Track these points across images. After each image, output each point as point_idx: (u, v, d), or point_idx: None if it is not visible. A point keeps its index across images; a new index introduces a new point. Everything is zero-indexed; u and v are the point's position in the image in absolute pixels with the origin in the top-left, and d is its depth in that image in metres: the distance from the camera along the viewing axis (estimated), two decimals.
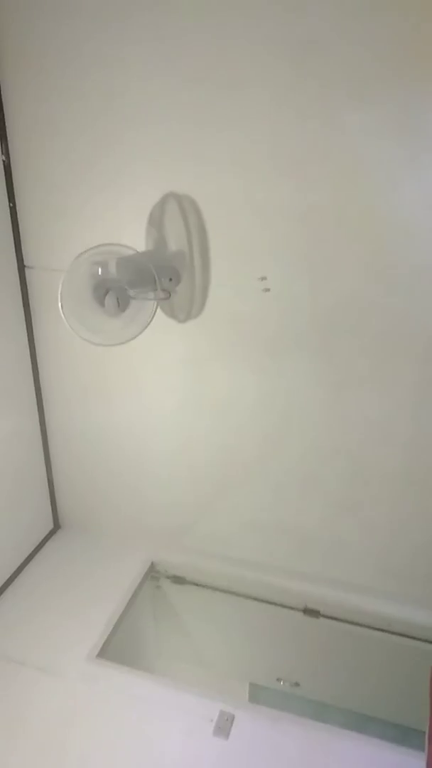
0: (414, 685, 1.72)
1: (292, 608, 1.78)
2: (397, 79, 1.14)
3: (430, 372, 1.38)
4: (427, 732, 1.23)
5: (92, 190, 1.44)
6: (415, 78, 1.13)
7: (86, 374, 1.70)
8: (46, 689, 1.41)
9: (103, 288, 1.26)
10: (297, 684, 1.93)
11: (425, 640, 1.66)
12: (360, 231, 1.29)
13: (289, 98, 1.21)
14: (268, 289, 1.40)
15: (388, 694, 1.84)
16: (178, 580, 1.88)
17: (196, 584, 1.87)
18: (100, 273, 1.26)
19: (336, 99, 1.19)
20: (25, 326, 1.67)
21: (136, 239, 1.42)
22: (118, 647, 1.60)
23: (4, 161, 1.46)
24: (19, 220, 1.54)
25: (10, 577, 1.77)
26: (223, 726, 1.31)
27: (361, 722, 1.87)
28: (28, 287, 1.63)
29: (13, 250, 1.56)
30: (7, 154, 1.46)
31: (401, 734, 1.83)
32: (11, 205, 1.51)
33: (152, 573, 1.89)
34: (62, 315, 1.25)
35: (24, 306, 1.64)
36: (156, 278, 1.31)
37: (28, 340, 1.69)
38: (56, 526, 2.03)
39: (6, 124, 1.43)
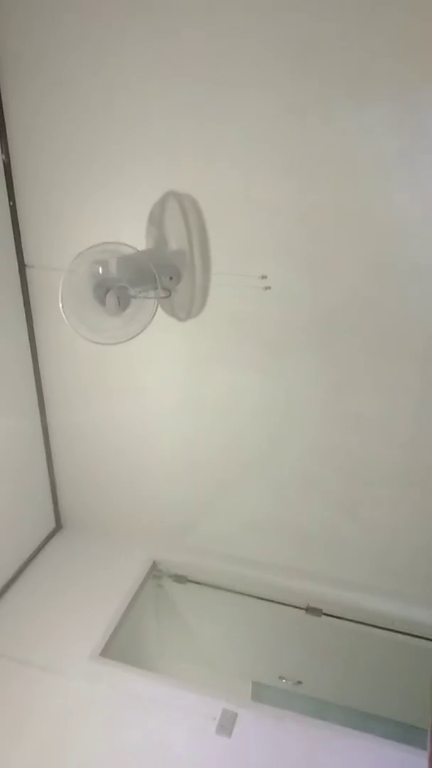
0: (416, 683, 1.72)
1: (294, 607, 1.78)
2: (396, 79, 1.14)
3: (431, 372, 1.38)
4: (429, 730, 1.22)
5: (92, 189, 1.44)
6: (414, 77, 1.13)
7: (87, 373, 1.70)
8: (48, 688, 1.41)
9: (104, 287, 1.25)
10: (299, 682, 1.93)
11: (427, 639, 1.66)
12: (360, 230, 1.29)
13: (289, 97, 1.21)
14: (268, 288, 1.40)
15: (390, 692, 1.84)
16: (180, 579, 1.89)
17: (198, 583, 1.87)
18: (100, 272, 1.26)
19: (336, 98, 1.19)
20: (25, 325, 1.67)
21: (136, 238, 1.42)
22: (121, 646, 1.60)
23: (3, 160, 1.46)
24: (19, 219, 1.54)
25: (13, 576, 1.77)
26: (226, 724, 1.31)
27: (364, 720, 1.87)
28: (28, 286, 1.63)
29: (14, 249, 1.56)
30: (7, 153, 1.46)
31: (403, 732, 1.83)
32: (11, 204, 1.51)
33: (154, 572, 1.89)
34: (63, 314, 1.25)
35: (25, 305, 1.64)
36: (156, 277, 1.31)
37: (29, 339, 1.69)
38: (58, 525, 2.04)
39: (6, 123, 1.43)
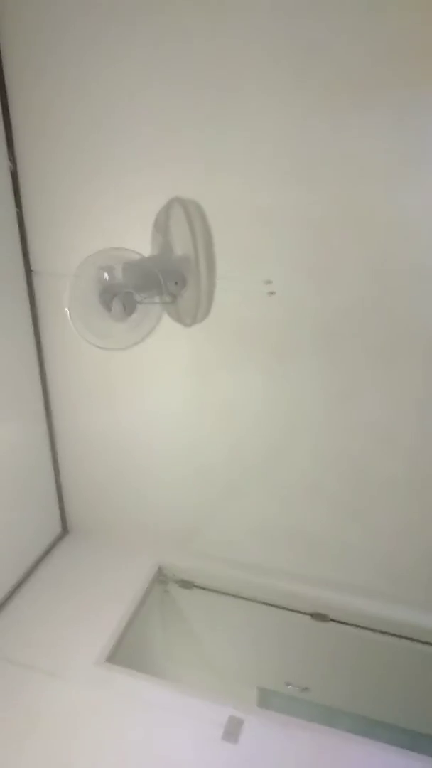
0: (424, 689, 1.71)
1: (300, 612, 1.77)
2: (399, 82, 1.14)
3: None
4: None
5: (98, 195, 1.45)
6: (417, 80, 1.13)
7: (93, 378, 1.71)
8: (54, 694, 1.41)
9: (110, 293, 1.26)
10: (306, 688, 1.92)
11: None
12: (365, 234, 1.29)
13: (292, 102, 1.22)
14: (273, 293, 1.40)
15: (398, 699, 1.83)
16: (186, 584, 1.88)
17: (204, 588, 1.87)
18: (106, 278, 1.26)
19: (339, 103, 1.19)
20: (32, 331, 1.68)
21: (142, 244, 1.43)
22: (127, 652, 1.59)
23: (11, 168, 1.47)
24: (25, 225, 1.55)
25: (19, 581, 1.77)
26: (233, 731, 1.30)
27: (371, 727, 1.86)
28: (35, 292, 1.63)
29: (20, 255, 1.57)
30: (13, 160, 1.47)
31: (411, 739, 1.82)
32: (18, 210, 1.52)
33: (160, 577, 1.89)
34: (69, 319, 1.25)
35: (31, 311, 1.65)
36: (162, 282, 1.31)
37: (36, 344, 1.70)
38: (64, 530, 2.04)
39: (13, 130, 1.44)
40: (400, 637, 1.68)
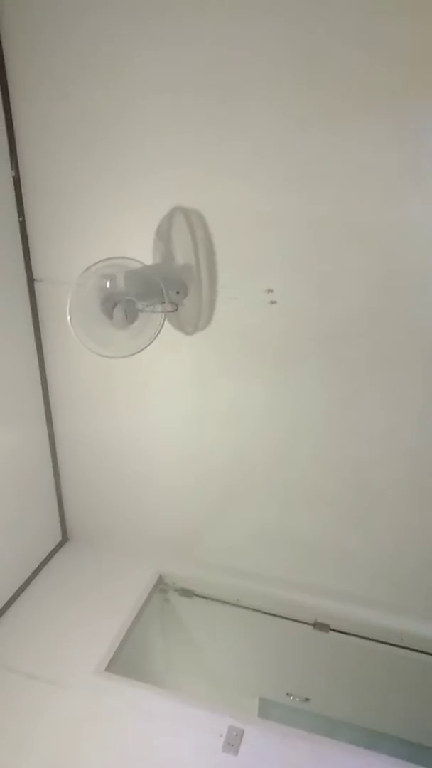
0: (426, 700, 1.70)
1: (301, 622, 1.76)
2: (399, 89, 1.15)
3: None
4: None
5: (100, 204, 1.45)
6: (417, 88, 1.14)
7: (94, 386, 1.71)
8: (54, 702, 1.40)
9: (112, 301, 1.26)
10: (307, 699, 1.91)
11: None
12: (366, 242, 1.29)
13: (294, 111, 1.23)
14: (274, 302, 1.41)
15: (399, 710, 1.82)
16: (187, 593, 1.87)
17: (205, 597, 1.86)
18: (108, 286, 1.27)
19: (340, 111, 1.20)
20: (34, 339, 1.68)
21: (143, 252, 1.44)
22: (127, 661, 1.59)
23: (14, 176, 1.48)
24: (28, 233, 1.56)
25: (19, 589, 1.77)
26: (233, 741, 1.30)
27: (372, 739, 1.85)
28: (37, 300, 1.64)
29: (23, 263, 1.58)
30: (16, 169, 1.48)
31: (412, 751, 1.80)
32: (21, 219, 1.53)
33: (160, 586, 1.88)
34: (71, 328, 1.26)
35: (33, 319, 1.66)
36: (164, 291, 1.32)
37: (37, 352, 1.70)
38: (64, 538, 2.03)
39: (15, 139, 1.45)
40: (402, 647, 1.67)
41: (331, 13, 1.14)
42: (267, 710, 1.98)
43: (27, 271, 1.60)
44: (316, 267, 1.35)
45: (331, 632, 1.73)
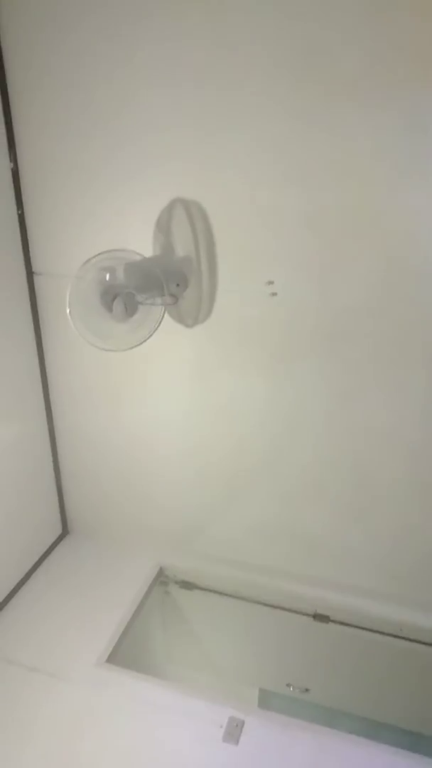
0: (426, 690, 1.71)
1: (301, 613, 1.77)
2: (400, 82, 1.14)
3: None
4: None
5: (100, 196, 1.45)
6: (418, 81, 1.13)
7: (94, 379, 1.71)
8: (55, 694, 1.41)
9: (111, 293, 1.26)
10: (307, 690, 1.92)
11: None
12: (366, 235, 1.29)
13: (293, 103, 1.22)
14: (275, 294, 1.40)
15: (399, 700, 1.83)
16: (187, 585, 1.88)
17: (205, 589, 1.87)
18: (107, 279, 1.26)
19: (341, 103, 1.19)
20: (33, 332, 1.68)
21: (143, 245, 1.43)
22: (127, 653, 1.59)
23: (12, 168, 1.47)
24: (27, 226, 1.55)
25: (19, 582, 1.77)
26: (233, 732, 1.30)
27: (372, 729, 1.86)
28: (36, 293, 1.64)
29: (22, 256, 1.58)
30: (15, 161, 1.47)
31: (412, 741, 1.81)
32: (20, 212, 1.52)
33: (161, 578, 1.89)
34: (70, 320, 1.25)
35: (32, 312, 1.65)
36: (164, 283, 1.31)
37: (37, 345, 1.70)
38: (65, 531, 2.04)
39: (14, 131, 1.44)
40: (402, 638, 1.68)
41: (330, 5, 1.13)
42: (267, 701, 2.00)
43: (26, 264, 1.59)
44: (316, 259, 1.35)
45: (331, 623, 1.74)
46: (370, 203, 1.26)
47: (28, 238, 1.56)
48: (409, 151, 1.19)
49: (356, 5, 1.11)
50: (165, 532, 1.89)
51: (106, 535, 1.98)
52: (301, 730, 1.32)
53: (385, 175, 1.23)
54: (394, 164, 1.21)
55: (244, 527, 1.77)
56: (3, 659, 1.50)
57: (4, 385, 1.59)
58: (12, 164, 1.47)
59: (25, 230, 1.55)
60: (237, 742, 1.29)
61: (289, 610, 1.78)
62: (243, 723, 1.32)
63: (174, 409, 1.66)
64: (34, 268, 1.60)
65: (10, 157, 1.46)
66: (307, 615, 1.76)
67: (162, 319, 1.35)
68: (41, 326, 1.68)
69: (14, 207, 1.51)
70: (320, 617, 1.75)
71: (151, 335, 1.33)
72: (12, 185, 1.49)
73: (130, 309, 1.27)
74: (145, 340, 1.33)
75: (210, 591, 1.86)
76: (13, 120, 1.44)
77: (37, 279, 1.61)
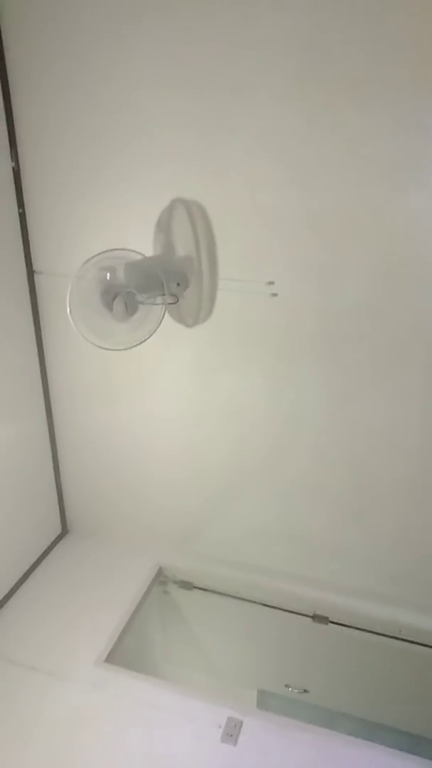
0: (425, 692, 1.71)
1: (300, 614, 1.77)
2: (400, 82, 1.15)
3: None
4: None
5: (100, 195, 1.45)
6: (418, 80, 1.13)
7: (94, 379, 1.71)
8: (53, 694, 1.40)
9: (112, 293, 1.26)
10: (306, 691, 1.92)
11: None
12: (367, 236, 1.29)
13: (293, 104, 1.22)
14: (275, 294, 1.40)
15: (398, 702, 1.83)
16: (186, 585, 1.88)
17: (204, 589, 1.87)
18: (108, 278, 1.26)
19: (341, 103, 1.19)
20: (34, 331, 1.68)
21: (144, 244, 1.42)
22: (126, 652, 1.59)
23: (13, 168, 1.47)
24: (28, 225, 1.55)
25: (18, 581, 1.77)
26: (232, 732, 1.30)
27: (371, 730, 1.86)
28: (37, 292, 1.64)
29: (23, 255, 1.58)
30: (16, 160, 1.47)
31: (411, 742, 1.81)
32: (20, 211, 1.52)
33: (160, 578, 1.89)
34: (71, 320, 1.25)
35: (33, 311, 1.65)
36: (164, 283, 1.31)
37: (37, 344, 1.70)
38: (64, 530, 2.04)
39: (15, 130, 1.44)
40: (401, 639, 1.68)
41: (331, 6, 1.13)
42: (266, 701, 1.99)
43: (27, 263, 1.59)
44: (317, 259, 1.35)
45: (330, 624, 1.74)
46: (371, 204, 1.26)
47: (29, 237, 1.56)
48: (410, 153, 1.19)
49: (356, 6, 1.11)
50: (164, 531, 1.89)
51: (106, 534, 1.98)
52: (300, 731, 1.32)
53: (386, 176, 1.22)
54: (394, 165, 1.21)
55: (244, 527, 1.77)
56: (2, 658, 1.50)
57: (4, 384, 1.59)
58: (13, 163, 1.47)
59: (26, 229, 1.55)
60: (235, 742, 1.28)
61: (289, 610, 1.78)
62: (241, 723, 1.32)
63: (174, 409, 1.66)
64: (35, 267, 1.60)
65: (11, 156, 1.46)
66: (307, 616, 1.76)
67: (162, 318, 1.34)
68: (41, 325, 1.68)
69: (15, 206, 1.51)
70: (319, 618, 1.74)
71: (151, 335, 1.33)
72: (13, 184, 1.49)
73: (131, 308, 1.27)
74: (145, 340, 1.32)
75: (209, 591, 1.86)
76: (14, 120, 1.44)
77: (37, 278, 1.61)
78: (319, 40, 1.16)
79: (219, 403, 1.60)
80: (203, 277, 1.43)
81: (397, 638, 1.68)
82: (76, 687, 1.42)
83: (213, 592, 1.86)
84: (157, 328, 1.33)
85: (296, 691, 1.92)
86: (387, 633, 1.69)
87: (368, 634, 1.71)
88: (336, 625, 1.74)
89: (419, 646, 1.66)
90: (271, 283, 1.39)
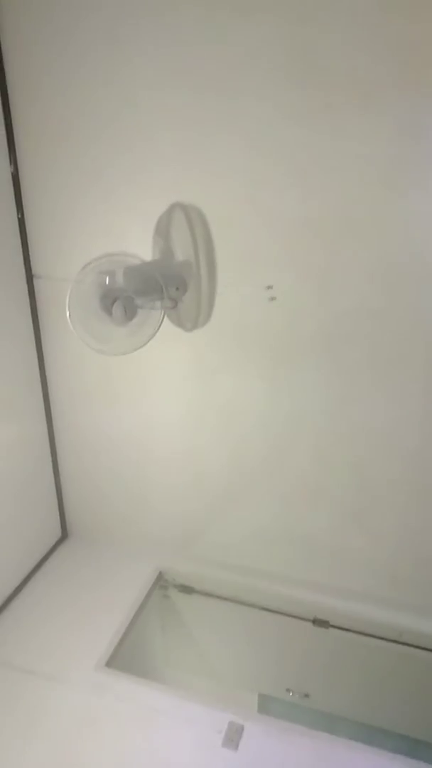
0: (426, 696, 1.70)
1: (301, 618, 1.76)
2: (400, 85, 1.15)
3: None
4: None
5: (99, 199, 1.45)
6: (418, 83, 1.14)
7: (94, 383, 1.71)
8: (54, 698, 1.40)
9: (111, 297, 1.26)
10: (307, 695, 1.91)
11: None
12: (366, 239, 1.29)
13: (293, 106, 1.22)
14: (274, 298, 1.40)
15: (399, 706, 1.82)
16: (186, 589, 1.88)
17: (204, 594, 1.86)
18: (107, 282, 1.26)
19: (340, 106, 1.19)
20: (33, 335, 1.68)
21: (143, 249, 1.43)
22: (127, 657, 1.59)
23: (12, 172, 1.48)
24: (27, 230, 1.55)
25: (18, 586, 1.77)
26: (233, 737, 1.30)
27: (372, 734, 1.85)
28: (36, 296, 1.64)
29: (22, 259, 1.58)
30: (15, 164, 1.47)
31: (412, 747, 1.80)
32: (20, 215, 1.53)
33: (160, 582, 1.88)
34: (70, 324, 1.25)
35: (32, 315, 1.65)
36: (163, 287, 1.31)
37: (37, 348, 1.70)
38: (64, 534, 2.03)
39: (14, 134, 1.45)
40: (402, 643, 1.67)
41: (328, 8, 1.13)
42: (267, 706, 1.99)
43: (26, 268, 1.59)
44: (315, 263, 1.35)
45: (331, 628, 1.73)
46: (370, 207, 1.26)
47: (28, 241, 1.57)
48: (409, 155, 1.19)
49: (354, 7, 1.11)
50: (164, 535, 1.88)
51: (106, 538, 1.98)
52: (301, 736, 1.31)
53: (385, 178, 1.23)
54: (393, 167, 1.21)
55: (244, 531, 1.77)
56: (2, 663, 1.50)
57: (3, 387, 1.59)
58: (12, 168, 1.47)
59: (25, 233, 1.55)
60: (236, 747, 1.28)
61: (289, 614, 1.77)
62: (242, 728, 1.32)
63: (173, 412, 1.66)
64: (34, 271, 1.60)
65: (10, 160, 1.46)
66: (307, 620, 1.76)
67: (161, 322, 1.34)
68: (41, 329, 1.68)
69: (14, 210, 1.51)
70: (320, 622, 1.74)
71: (150, 339, 1.33)
72: (12, 188, 1.49)
73: (130, 312, 1.27)
74: (144, 344, 1.33)
75: (209, 595, 1.86)
76: (13, 123, 1.44)
77: (37, 282, 1.62)
78: (318, 42, 1.16)
79: (218, 405, 1.60)
80: (202, 282, 1.43)
81: (398, 642, 1.67)
82: (77, 691, 1.42)
83: (213, 596, 1.85)
84: (156, 332, 1.34)
85: (297, 695, 1.91)
86: (387, 637, 1.68)
87: (369, 638, 1.70)
88: (336, 629, 1.73)
89: (420, 650, 1.66)
90: (270, 287, 1.40)
